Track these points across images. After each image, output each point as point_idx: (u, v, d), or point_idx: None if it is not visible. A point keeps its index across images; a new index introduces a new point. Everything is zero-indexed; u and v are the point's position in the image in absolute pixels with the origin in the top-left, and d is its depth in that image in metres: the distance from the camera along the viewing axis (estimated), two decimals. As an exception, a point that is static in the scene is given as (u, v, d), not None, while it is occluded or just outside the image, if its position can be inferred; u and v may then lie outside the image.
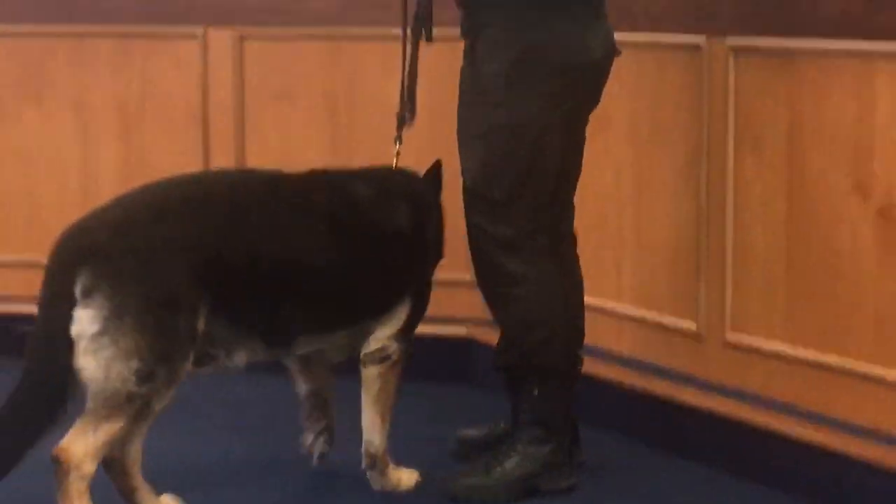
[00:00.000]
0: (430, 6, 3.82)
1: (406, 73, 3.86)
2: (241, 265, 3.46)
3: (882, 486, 3.51)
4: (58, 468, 3.25)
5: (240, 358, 3.56)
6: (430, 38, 3.83)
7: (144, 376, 3.27)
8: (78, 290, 3.23)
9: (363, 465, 3.79)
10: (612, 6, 3.79)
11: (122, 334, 3.23)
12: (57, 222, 4.74)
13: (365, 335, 3.77)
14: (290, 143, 4.78)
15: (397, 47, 3.89)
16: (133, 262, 3.29)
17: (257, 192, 3.69)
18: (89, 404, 3.25)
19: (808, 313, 3.81)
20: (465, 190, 3.76)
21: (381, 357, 3.74)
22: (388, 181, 3.84)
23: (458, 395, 4.45)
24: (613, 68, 3.79)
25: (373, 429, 3.77)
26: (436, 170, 3.91)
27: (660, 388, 4.11)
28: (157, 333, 3.29)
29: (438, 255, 3.87)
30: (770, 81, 3.88)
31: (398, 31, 3.89)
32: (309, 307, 3.64)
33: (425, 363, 4.25)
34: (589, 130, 3.86)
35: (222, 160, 4.80)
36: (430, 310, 4.10)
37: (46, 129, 4.97)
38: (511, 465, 3.73)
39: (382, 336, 3.75)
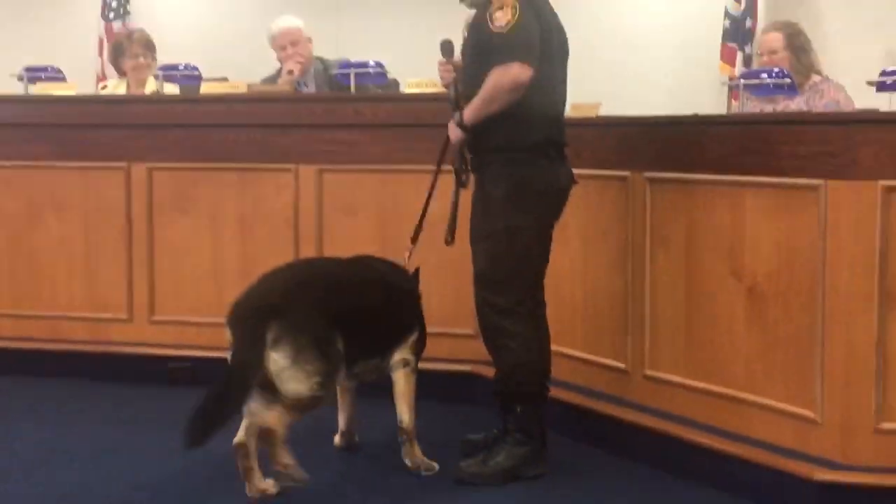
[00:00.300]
0: (465, 163, 3.81)
1: (451, 210, 3.86)
2: (346, 313, 3.58)
3: (747, 473, 3.48)
4: (270, 438, 3.43)
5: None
6: (465, 186, 3.84)
7: (323, 386, 3.46)
8: (269, 339, 3.38)
9: (399, 438, 3.81)
10: (572, 152, 3.84)
11: (306, 363, 3.41)
12: (195, 294, 4.92)
13: (390, 358, 3.82)
14: (354, 244, 4.58)
15: (428, 179, 3.93)
16: (303, 318, 3.45)
17: (343, 268, 3.87)
18: (286, 403, 3.41)
19: (700, 357, 3.79)
20: (475, 274, 3.74)
21: (403, 365, 3.81)
22: (399, 266, 3.94)
23: (465, 412, 4.33)
24: (572, 192, 3.80)
25: (402, 412, 3.81)
26: (417, 271, 3.98)
27: (601, 407, 4.06)
28: (325, 359, 3.46)
29: None
30: (673, 201, 3.86)
31: (428, 167, 3.94)
32: (370, 340, 3.74)
33: (442, 390, 4.36)
34: (554, 232, 3.91)
35: (307, 252, 4.74)
36: (445, 352, 4.17)
37: (192, 232, 4.93)
38: (501, 458, 3.71)
39: (402, 353, 3.82)
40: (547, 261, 3.81)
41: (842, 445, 3.34)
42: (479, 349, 3.97)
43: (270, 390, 3.43)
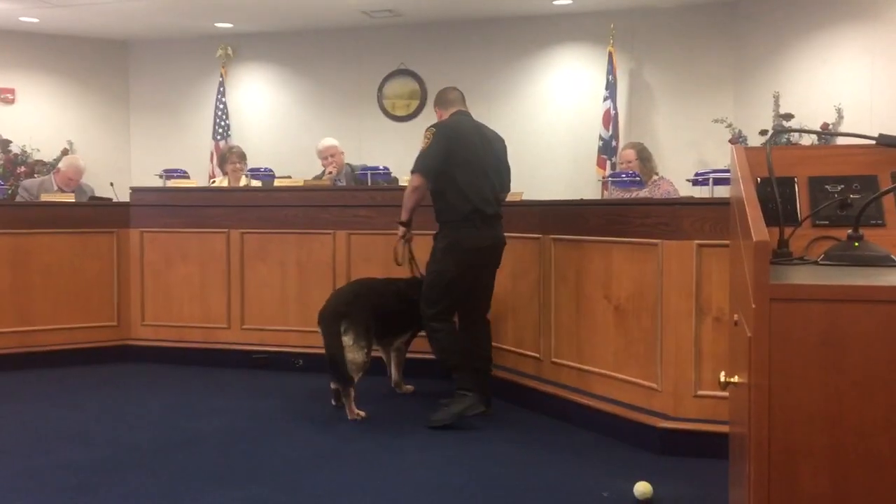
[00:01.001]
0: (408, 240, 3.79)
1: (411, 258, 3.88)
2: (378, 313, 3.77)
3: (614, 422, 3.43)
4: (344, 391, 3.73)
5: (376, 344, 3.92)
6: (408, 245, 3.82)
7: (367, 355, 3.72)
8: (342, 329, 3.68)
9: (392, 384, 4.05)
10: (507, 223, 3.82)
11: (360, 342, 3.65)
12: (270, 311, 4.86)
13: (395, 342, 4.03)
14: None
15: (415, 239, 3.88)
16: (358, 317, 3.67)
17: (379, 284, 3.98)
18: (350, 368, 3.67)
19: (586, 350, 3.73)
20: (419, 296, 3.72)
21: (407, 343, 4.05)
22: (411, 280, 3.95)
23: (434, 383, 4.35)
24: (508, 246, 3.80)
25: (396, 372, 4.08)
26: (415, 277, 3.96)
27: (525, 381, 3.99)
28: (367, 340, 3.67)
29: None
30: (568, 253, 3.83)
31: (415, 233, 3.85)
32: (396, 325, 3.95)
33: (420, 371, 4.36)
34: (499, 270, 3.88)
35: (340, 285, 4.70)
36: (423, 347, 4.13)
37: (268, 273, 4.86)
38: (453, 406, 3.62)
39: (399, 341, 4.00)
40: (467, 292, 3.69)
41: (673, 405, 3.34)
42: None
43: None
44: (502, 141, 3.87)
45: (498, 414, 3.83)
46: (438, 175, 3.62)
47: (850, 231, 1.67)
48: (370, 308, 3.79)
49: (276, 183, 5.14)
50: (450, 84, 4.07)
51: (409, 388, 4.20)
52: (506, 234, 3.83)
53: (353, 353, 3.68)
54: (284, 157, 7.31)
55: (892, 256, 1.61)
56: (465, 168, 3.62)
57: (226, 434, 3.52)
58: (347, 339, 3.69)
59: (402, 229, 3.78)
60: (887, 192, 1.68)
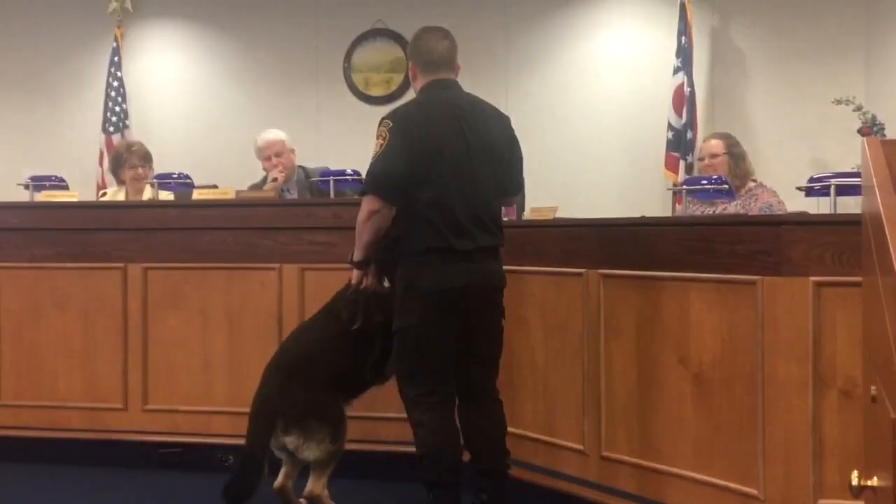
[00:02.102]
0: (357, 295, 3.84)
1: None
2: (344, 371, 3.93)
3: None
4: (314, 499, 3.94)
5: None
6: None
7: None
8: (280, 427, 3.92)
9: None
10: (532, 251, 3.86)
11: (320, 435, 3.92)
12: (186, 384, 4.89)
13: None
14: None
15: None
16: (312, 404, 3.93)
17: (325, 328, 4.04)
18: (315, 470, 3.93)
19: (652, 439, 3.76)
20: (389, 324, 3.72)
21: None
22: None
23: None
24: (527, 285, 3.83)
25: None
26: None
27: (557, 485, 4.04)
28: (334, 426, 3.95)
29: None
30: (625, 295, 3.87)
31: None
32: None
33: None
34: (514, 325, 3.89)
35: None
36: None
37: (183, 326, 4.89)
38: None
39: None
40: (445, 355, 3.66)
41: (783, 520, 3.33)
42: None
43: None
44: (504, 120, 3.82)
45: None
46: (406, 198, 3.61)
47: None
48: (329, 378, 3.90)
49: (196, 195, 5.16)
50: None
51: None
52: (534, 267, 3.83)
53: (311, 451, 3.89)
54: (207, 157, 7.36)
55: None
56: (431, 185, 3.60)
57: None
58: (292, 440, 3.89)
59: (355, 273, 3.81)
60: None
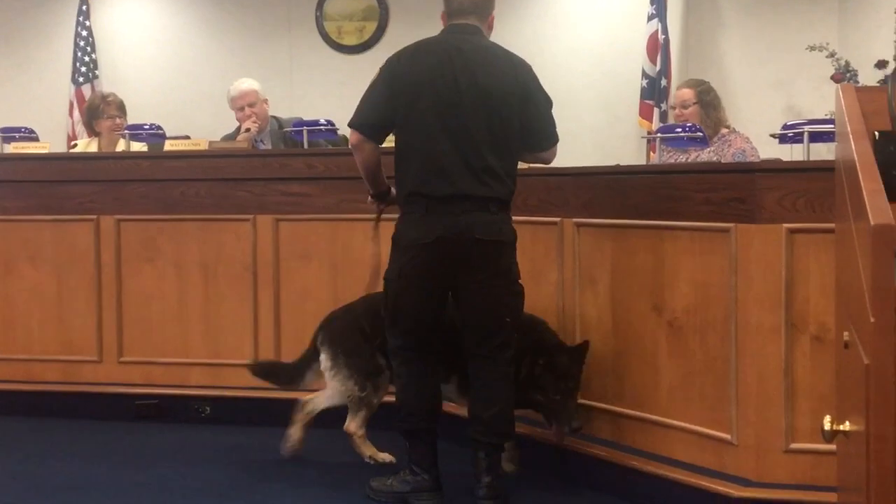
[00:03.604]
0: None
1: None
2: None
3: (670, 492, 3.48)
4: (350, 437, 4.08)
5: None
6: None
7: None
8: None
9: None
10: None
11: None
12: (161, 336, 4.87)
13: None
14: (308, 287, 4.75)
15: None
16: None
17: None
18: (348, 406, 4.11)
19: (627, 386, 3.78)
20: None
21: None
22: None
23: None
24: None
25: None
26: None
27: (538, 434, 3.99)
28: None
29: None
30: (600, 244, 3.88)
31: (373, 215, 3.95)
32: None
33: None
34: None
35: (265, 298, 4.76)
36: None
37: (157, 278, 4.88)
38: (394, 482, 3.65)
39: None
40: (421, 313, 3.61)
41: (755, 465, 3.37)
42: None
43: None
44: (519, 69, 3.62)
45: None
46: (388, 132, 3.64)
47: None
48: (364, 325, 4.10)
49: (168, 147, 5.14)
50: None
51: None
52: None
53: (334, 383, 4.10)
54: (179, 108, 7.30)
55: None
56: (415, 124, 3.55)
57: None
58: (322, 360, 4.16)
59: (370, 201, 3.89)
60: None
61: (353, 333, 4.07)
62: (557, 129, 3.73)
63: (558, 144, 3.74)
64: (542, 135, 3.68)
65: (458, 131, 3.50)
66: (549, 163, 3.79)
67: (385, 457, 4.07)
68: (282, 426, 4.18)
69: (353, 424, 4.08)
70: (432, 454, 3.64)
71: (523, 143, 3.64)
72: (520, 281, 3.65)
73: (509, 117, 3.56)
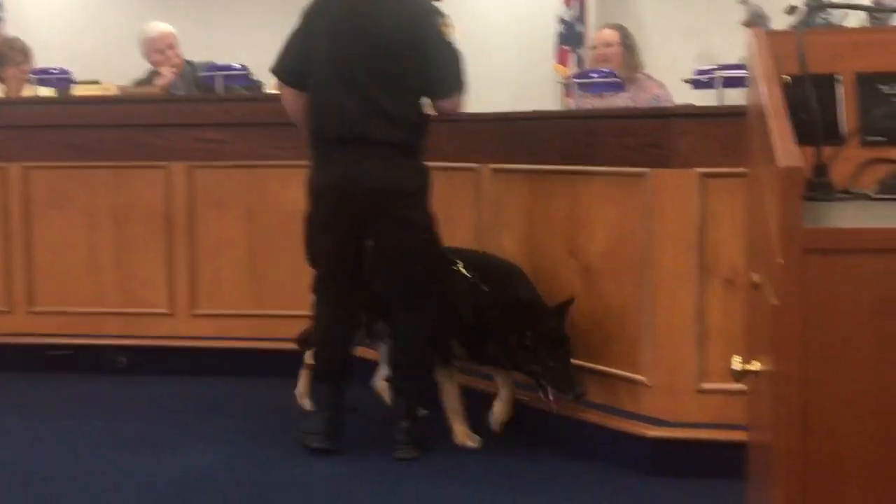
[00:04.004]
0: None
1: None
2: None
3: (587, 433, 3.52)
4: None
5: None
6: None
7: None
8: None
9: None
10: (428, 147, 3.81)
11: None
12: (73, 285, 4.78)
13: None
14: (225, 235, 4.69)
15: (290, 172, 3.91)
16: None
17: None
18: None
19: None
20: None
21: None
22: None
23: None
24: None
25: None
26: None
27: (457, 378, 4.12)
28: None
29: None
30: (517, 189, 3.89)
31: (293, 163, 3.92)
32: None
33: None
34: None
35: (181, 247, 4.70)
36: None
37: (68, 227, 4.78)
38: (304, 423, 3.69)
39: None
40: (328, 256, 3.65)
41: (668, 405, 3.42)
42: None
43: None
44: (417, 19, 3.59)
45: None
46: (305, 79, 3.62)
47: (914, 151, 1.71)
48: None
49: (78, 92, 5.04)
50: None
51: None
52: (427, 162, 3.79)
53: None
54: (89, 51, 7.12)
55: (973, 186, 1.66)
56: (317, 71, 3.58)
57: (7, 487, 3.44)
58: None
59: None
60: (966, 93, 1.72)
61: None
62: (474, 74, 3.71)
63: (474, 95, 3.74)
64: (438, 83, 3.60)
65: (353, 78, 3.52)
66: (448, 113, 3.66)
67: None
68: (200, 375, 4.15)
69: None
70: (333, 399, 3.63)
71: (424, 92, 3.62)
72: (433, 229, 3.65)
73: (404, 64, 3.54)
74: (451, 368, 3.74)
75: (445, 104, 3.62)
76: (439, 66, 3.59)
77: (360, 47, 3.53)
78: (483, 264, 3.74)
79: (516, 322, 3.55)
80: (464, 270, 3.65)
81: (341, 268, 3.65)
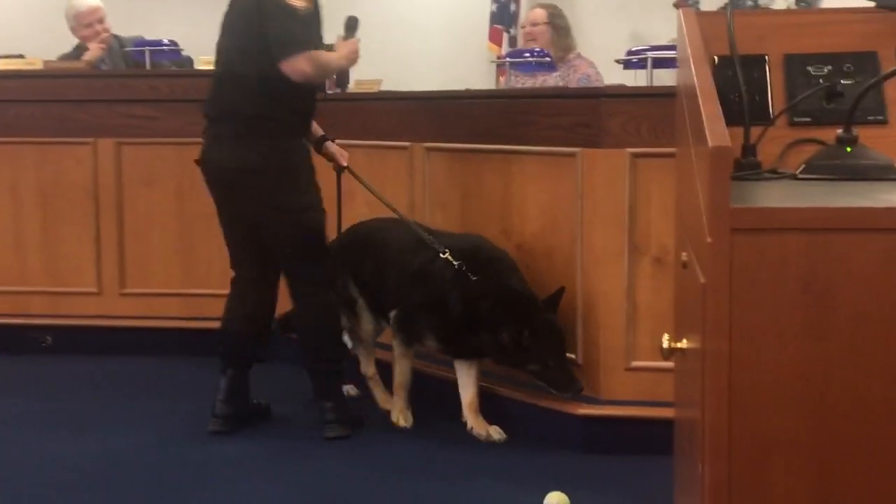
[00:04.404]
0: None
1: None
2: None
3: (519, 410, 3.55)
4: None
5: None
6: None
7: None
8: None
9: None
10: (358, 125, 3.80)
11: None
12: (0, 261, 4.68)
13: None
14: (153, 212, 4.65)
15: None
16: None
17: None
18: None
19: None
20: None
21: None
22: None
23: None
24: (353, 159, 3.76)
25: None
26: None
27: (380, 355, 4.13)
28: None
29: None
30: (450, 168, 3.89)
31: None
32: None
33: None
34: (343, 200, 3.87)
35: (108, 225, 4.64)
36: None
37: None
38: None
39: None
40: (229, 236, 3.67)
41: (599, 383, 3.45)
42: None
43: None
44: None
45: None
46: None
47: (840, 131, 1.73)
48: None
49: (1, 66, 4.93)
50: None
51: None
52: (360, 141, 3.78)
53: None
54: (13, 25, 6.99)
55: (896, 166, 1.69)
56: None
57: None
58: None
59: None
60: (890, 74, 1.74)
61: (336, 255, 3.77)
62: (407, 53, 3.71)
63: (408, 73, 3.74)
64: (276, 45, 3.41)
65: (221, 51, 3.57)
66: (293, 77, 3.41)
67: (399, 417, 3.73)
68: (128, 355, 4.10)
69: (361, 364, 3.92)
70: (227, 380, 3.63)
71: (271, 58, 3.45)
72: (306, 212, 3.54)
73: (251, 33, 3.46)
74: (412, 349, 3.70)
75: (285, 67, 3.40)
76: (272, 27, 3.43)
77: (229, 19, 3.56)
78: (470, 250, 3.53)
79: (509, 316, 3.37)
80: (450, 258, 3.46)
81: (245, 250, 3.64)
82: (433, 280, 3.52)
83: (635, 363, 3.42)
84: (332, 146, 3.77)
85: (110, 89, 4.71)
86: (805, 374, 1.32)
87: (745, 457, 1.33)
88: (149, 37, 5.17)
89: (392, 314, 3.69)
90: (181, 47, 5.00)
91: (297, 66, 3.39)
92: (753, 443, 1.33)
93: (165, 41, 4.95)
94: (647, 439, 3.21)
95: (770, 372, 1.32)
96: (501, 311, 3.39)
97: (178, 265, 4.65)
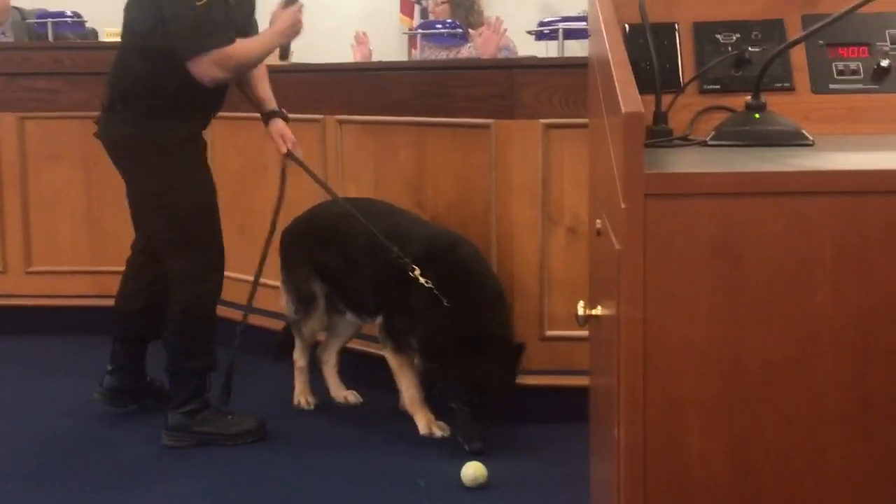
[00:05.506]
0: None
1: None
2: None
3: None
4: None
5: None
6: None
7: None
8: None
9: None
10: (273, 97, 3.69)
11: None
12: None
13: None
14: (59, 188, 4.56)
15: None
16: None
17: None
18: None
19: None
20: None
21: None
22: None
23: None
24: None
25: None
26: None
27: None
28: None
29: None
30: (362, 141, 3.88)
31: None
32: None
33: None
34: (255, 173, 3.79)
35: (12, 201, 4.55)
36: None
37: None
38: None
39: None
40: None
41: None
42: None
43: None
44: None
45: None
46: None
47: (748, 98, 1.75)
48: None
49: None
50: None
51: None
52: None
53: None
54: None
55: (804, 132, 1.71)
56: None
57: None
58: None
59: None
60: (796, 42, 1.77)
61: (297, 244, 3.62)
62: (318, 25, 3.67)
63: (319, 45, 3.69)
64: (178, 44, 3.15)
65: (122, 35, 3.39)
66: (204, 82, 3.19)
67: (350, 395, 3.67)
68: (36, 335, 4.01)
69: (295, 352, 3.70)
70: (113, 354, 3.54)
71: (169, 52, 3.21)
72: (167, 197, 3.29)
73: (143, 13, 3.23)
74: (406, 355, 3.37)
75: (192, 69, 3.16)
76: (173, 23, 3.15)
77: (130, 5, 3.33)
78: (436, 254, 3.29)
79: (472, 363, 3.11)
80: (421, 278, 3.18)
81: (134, 226, 3.49)
82: (413, 288, 3.22)
83: (550, 332, 3.45)
84: (277, 126, 3.46)
85: (11, 62, 4.62)
86: (718, 337, 1.33)
87: (660, 420, 1.35)
88: (51, 8, 5.08)
89: (378, 321, 3.43)
90: (85, 19, 4.94)
91: (204, 70, 3.15)
92: (668, 406, 1.35)
93: (69, 13, 4.88)
94: (563, 407, 3.25)
95: (684, 336, 1.34)
96: (467, 354, 3.11)
97: (87, 242, 4.56)
